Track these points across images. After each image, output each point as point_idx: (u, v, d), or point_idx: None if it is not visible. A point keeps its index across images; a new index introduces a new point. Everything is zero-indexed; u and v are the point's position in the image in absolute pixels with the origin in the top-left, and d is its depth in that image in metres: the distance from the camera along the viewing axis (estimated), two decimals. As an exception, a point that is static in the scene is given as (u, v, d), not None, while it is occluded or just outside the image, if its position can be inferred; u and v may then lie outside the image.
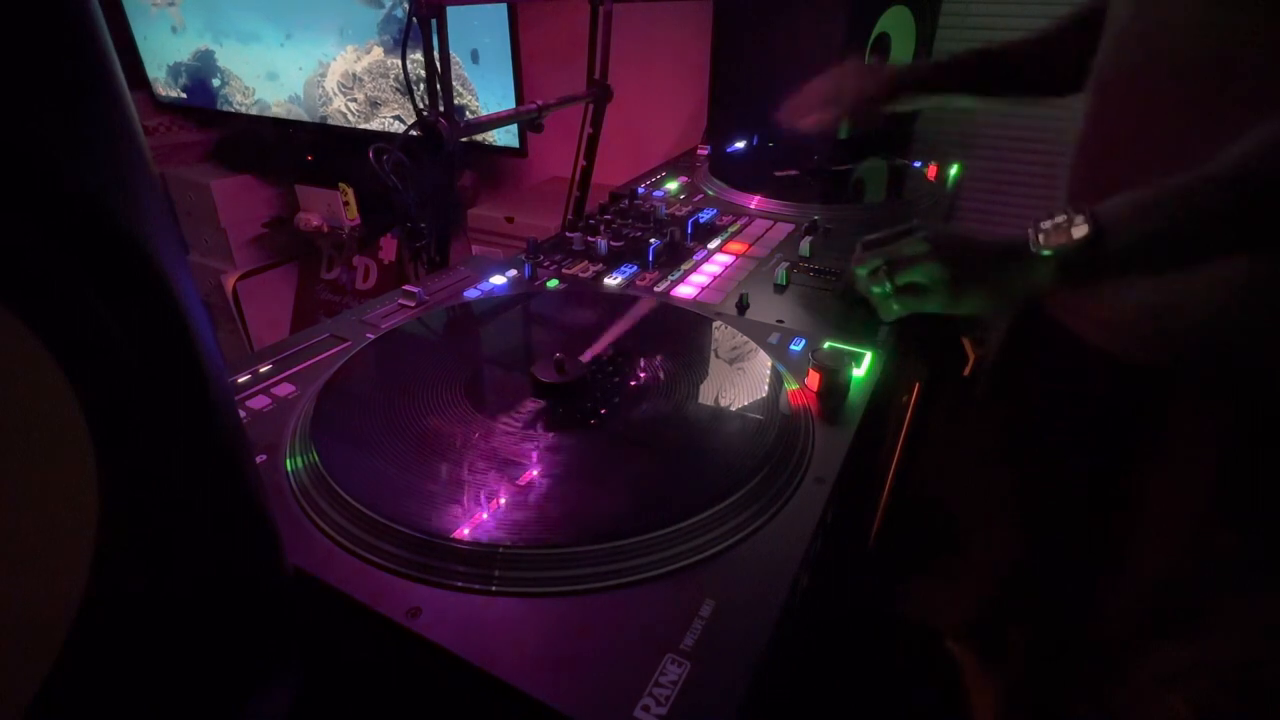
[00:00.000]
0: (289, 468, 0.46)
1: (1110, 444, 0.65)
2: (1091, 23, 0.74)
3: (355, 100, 1.68)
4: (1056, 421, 0.70)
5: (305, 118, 1.79)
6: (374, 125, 1.69)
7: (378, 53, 1.61)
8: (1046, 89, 0.82)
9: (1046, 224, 0.53)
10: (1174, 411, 0.61)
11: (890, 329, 0.64)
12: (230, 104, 1.87)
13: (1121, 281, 0.60)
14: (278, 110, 1.83)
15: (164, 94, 1.96)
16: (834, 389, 0.54)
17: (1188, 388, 0.60)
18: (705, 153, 1.21)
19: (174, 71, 1.91)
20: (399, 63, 1.55)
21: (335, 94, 1.71)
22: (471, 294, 0.71)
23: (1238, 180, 0.48)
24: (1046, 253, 0.52)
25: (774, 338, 0.62)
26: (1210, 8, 0.51)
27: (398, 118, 1.65)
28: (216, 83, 1.86)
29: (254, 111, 1.87)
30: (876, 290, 0.61)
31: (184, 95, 1.93)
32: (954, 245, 0.57)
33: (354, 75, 1.66)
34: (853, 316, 0.65)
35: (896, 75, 0.84)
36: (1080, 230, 0.51)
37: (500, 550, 0.38)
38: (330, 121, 1.75)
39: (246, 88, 1.83)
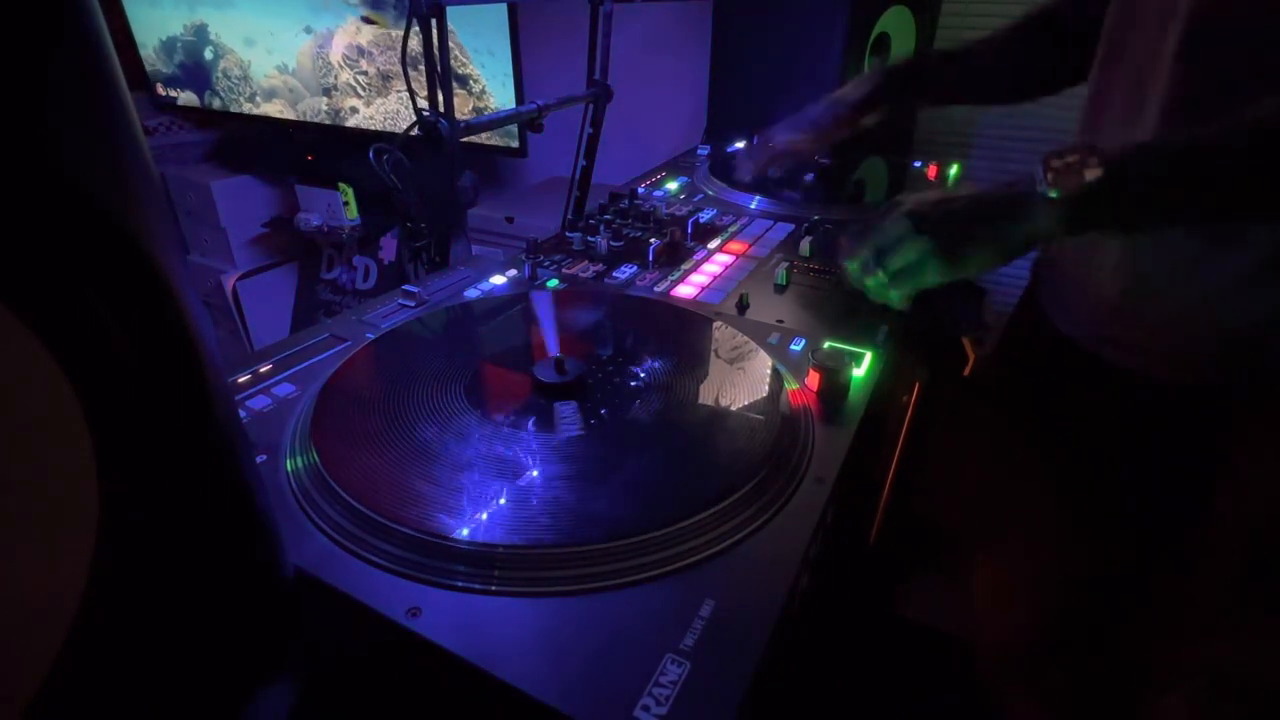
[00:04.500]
0: (289, 468, 0.46)
1: (1133, 456, 0.63)
2: (1049, 25, 0.74)
3: (365, 74, 1.65)
4: (1064, 431, 0.69)
5: (301, 88, 1.77)
6: (390, 100, 1.65)
7: (381, 23, 1.59)
8: (1015, 95, 0.82)
9: (1057, 161, 0.49)
10: (1224, 429, 0.58)
11: (890, 329, 0.64)
12: (229, 78, 1.86)
13: (1127, 231, 0.57)
14: (272, 82, 1.80)
15: (160, 71, 1.94)
16: (834, 389, 0.54)
17: (1235, 405, 0.58)
18: (705, 153, 1.21)
19: (168, 47, 1.90)
20: (402, 35, 1.54)
21: (342, 67, 1.68)
22: (471, 294, 0.71)
23: (1266, 133, 0.45)
24: (1054, 194, 0.49)
25: (774, 338, 0.62)
26: None
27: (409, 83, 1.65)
28: (209, 55, 1.85)
29: (247, 85, 1.85)
30: (871, 283, 0.60)
31: (179, 73, 1.92)
32: (937, 213, 0.55)
33: (359, 48, 1.63)
34: (861, 308, 0.65)
35: (855, 104, 0.83)
36: (1094, 172, 0.48)
37: (500, 550, 0.38)
38: (338, 94, 1.72)
39: (243, 61, 1.82)
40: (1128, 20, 0.58)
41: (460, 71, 1.56)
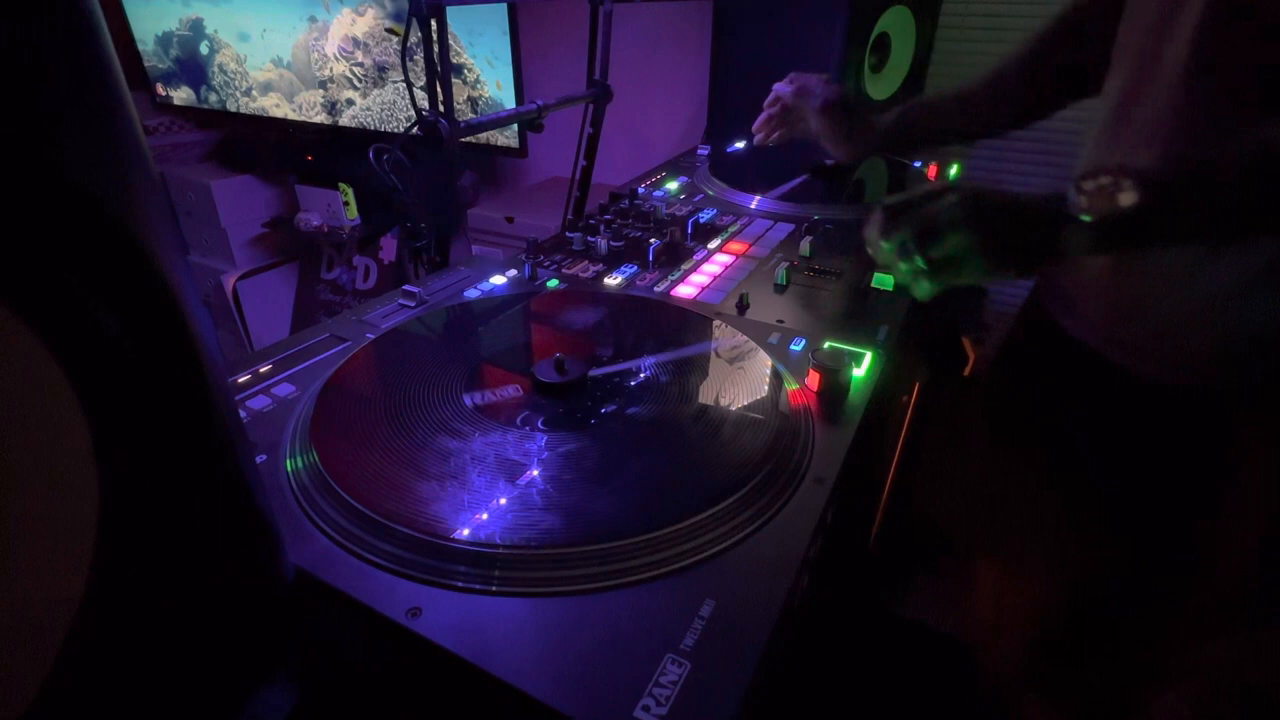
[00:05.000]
0: (289, 468, 0.46)
1: (1136, 458, 0.63)
2: (1063, 37, 0.74)
3: (361, 65, 1.65)
4: (1066, 431, 0.69)
5: (296, 82, 1.77)
6: (386, 90, 1.66)
7: (372, 15, 1.59)
8: (1027, 118, 0.82)
9: (1089, 184, 0.49)
10: (1228, 432, 0.58)
11: (890, 329, 0.64)
12: (225, 73, 1.85)
13: (1154, 249, 0.56)
14: (267, 76, 1.80)
15: (156, 67, 1.94)
16: (834, 389, 0.54)
17: (1243, 410, 0.58)
18: (705, 153, 1.21)
19: (164, 42, 1.90)
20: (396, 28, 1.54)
21: (337, 58, 1.68)
22: (471, 294, 0.71)
23: None
24: (1087, 218, 0.49)
25: (774, 338, 0.62)
26: None
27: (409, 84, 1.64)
28: (205, 50, 1.85)
29: (243, 79, 1.84)
30: (905, 268, 0.56)
31: (175, 68, 1.92)
32: (990, 209, 0.53)
33: (354, 39, 1.63)
34: (861, 308, 0.64)
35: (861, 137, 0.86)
36: (1129, 196, 0.47)
37: (500, 550, 0.38)
38: (333, 86, 1.72)
39: (239, 55, 1.82)
40: (1137, 33, 0.58)
41: (454, 60, 1.56)
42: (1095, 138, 0.63)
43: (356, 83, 1.69)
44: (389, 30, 1.57)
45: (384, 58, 1.62)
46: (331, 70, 1.71)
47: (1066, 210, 0.50)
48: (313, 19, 1.67)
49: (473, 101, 1.61)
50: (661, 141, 1.71)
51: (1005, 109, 0.81)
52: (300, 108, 1.81)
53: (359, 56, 1.65)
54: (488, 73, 1.56)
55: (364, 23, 1.61)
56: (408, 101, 1.64)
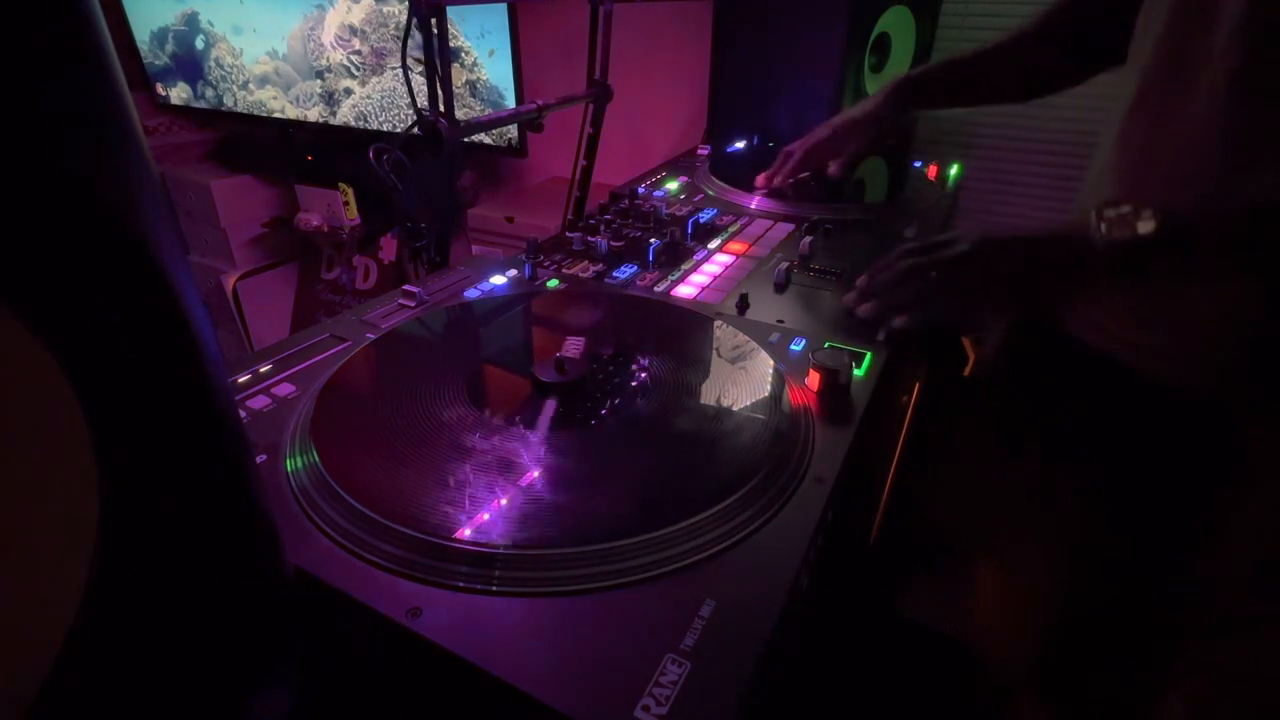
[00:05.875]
0: (289, 468, 0.46)
1: (1139, 458, 0.63)
2: (1061, 27, 0.74)
3: (359, 53, 1.64)
4: (1068, 430, 0.69)
5: (292, 73, 1.75)
6: (386, 77, 1.65)
7: (369, 1, 1.58)
8: (1027, 93, 0.83)
9: (1111, 212, 0.49)
10: (1232, 433, 0.58)
11: (890, 329, 0.64)
12: (222, 67, 1.85)
13: (1170, 284, 0.57)
14: (263, 68, 1.79)
15: (153, 64, 1.94)
16: (834, 389, 0.54)
17: (1255, 413, 0.58)
18: (705, 153, 1.21)
19: (159, 38, 1.90)
20: (394, 12, 1.53)
21: (334, 48, 1.66)
22: (471, 294, 0.71)
23: None
24: (1106, 241, 0.49)
25: (774, 338, 0.62)
26: None
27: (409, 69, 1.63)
28: (200, 44, 1.84)
29: (239, 72, 1.84)
30: (915, 308, 0.60)
31: (171, 64, 1.92)
32: (1002, 246, 0.56)
33: (351, 27, 1.62)
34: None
35: (882, 121, 0.90)
36: (1147, 225, 0.47)
37: (501, 550, 0.38)
38: (331, 76, 1.70)
39: (234, 49, 1.81)
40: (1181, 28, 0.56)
41: (451, 44, 1.55)
42: (1116, 148, 0.61)
43: (354, 71, 1.67)
44: (417, 59, 1.57)
45: (382, 44, 1.61)
46: (329, 60, 1.70)
47: (1087, 237, 0.50)
48: (320, 7, 1.66)
49: (471, 85, 1.60)
50: (661, 141, 1.71)
51: (1020, 73, 0.83)
52: (298, 99, 1.80)
53: (356, 44, 1.64)
54: (479, 44, 1.53)
55: (360, 10, 1.60)
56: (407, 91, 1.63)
